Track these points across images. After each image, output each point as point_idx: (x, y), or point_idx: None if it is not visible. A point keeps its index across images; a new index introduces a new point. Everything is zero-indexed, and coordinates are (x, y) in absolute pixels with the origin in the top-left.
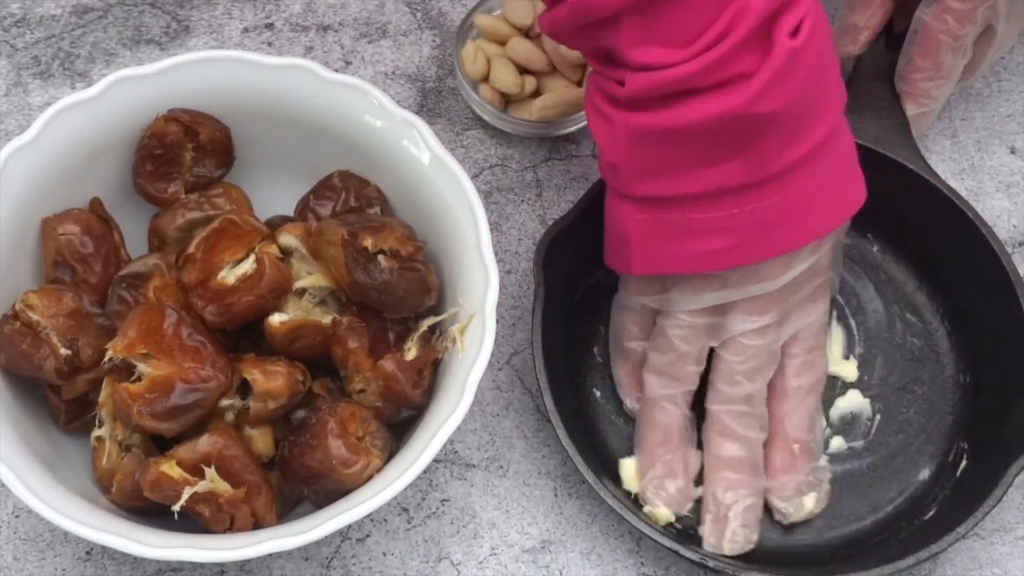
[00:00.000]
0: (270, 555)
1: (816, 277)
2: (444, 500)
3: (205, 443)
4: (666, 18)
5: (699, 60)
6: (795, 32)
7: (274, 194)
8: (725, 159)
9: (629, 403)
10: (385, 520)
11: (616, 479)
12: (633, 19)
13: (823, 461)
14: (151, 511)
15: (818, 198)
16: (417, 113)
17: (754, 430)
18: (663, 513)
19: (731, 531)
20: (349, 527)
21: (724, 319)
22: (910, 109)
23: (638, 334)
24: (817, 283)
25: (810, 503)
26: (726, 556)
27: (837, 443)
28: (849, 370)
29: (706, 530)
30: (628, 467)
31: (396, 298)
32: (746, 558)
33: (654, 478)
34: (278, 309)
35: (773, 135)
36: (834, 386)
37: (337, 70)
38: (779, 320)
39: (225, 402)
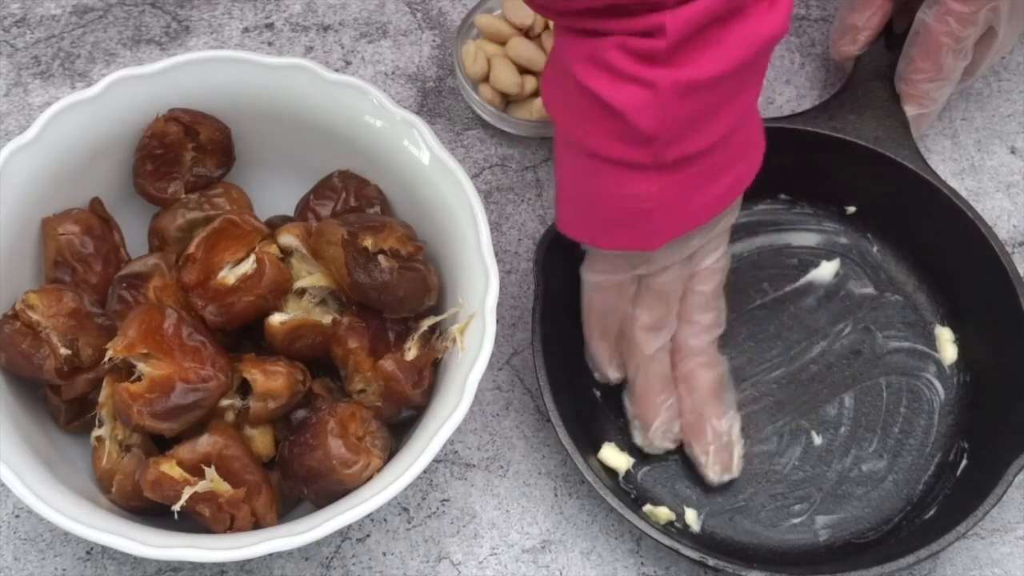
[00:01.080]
0: (270, 555)
1: None
2: (444, 500)
3: (205, 443)
4: None
5: None
6: None
7: (274, 194)
8: (743, 89)
9: (612, 373)
10: (385, 520)
11: (612, 474)
12: None
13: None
14: (151, 511)
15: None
16: (417, 113)
17: (718, 349)
18: (664, 512)
19: (737, 455)
20: (349, 527)
21: (696, 254)
22: (910, 110)
23: (623, 307)
24: None
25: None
26: (725, 555)
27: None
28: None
29: (710, 461)
30: (609, 451)
31: (396, 298)
32: (746, 558)
33: (662, 425)
34: (278, 309)
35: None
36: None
37: (337, 70)
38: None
39: (225, 402)
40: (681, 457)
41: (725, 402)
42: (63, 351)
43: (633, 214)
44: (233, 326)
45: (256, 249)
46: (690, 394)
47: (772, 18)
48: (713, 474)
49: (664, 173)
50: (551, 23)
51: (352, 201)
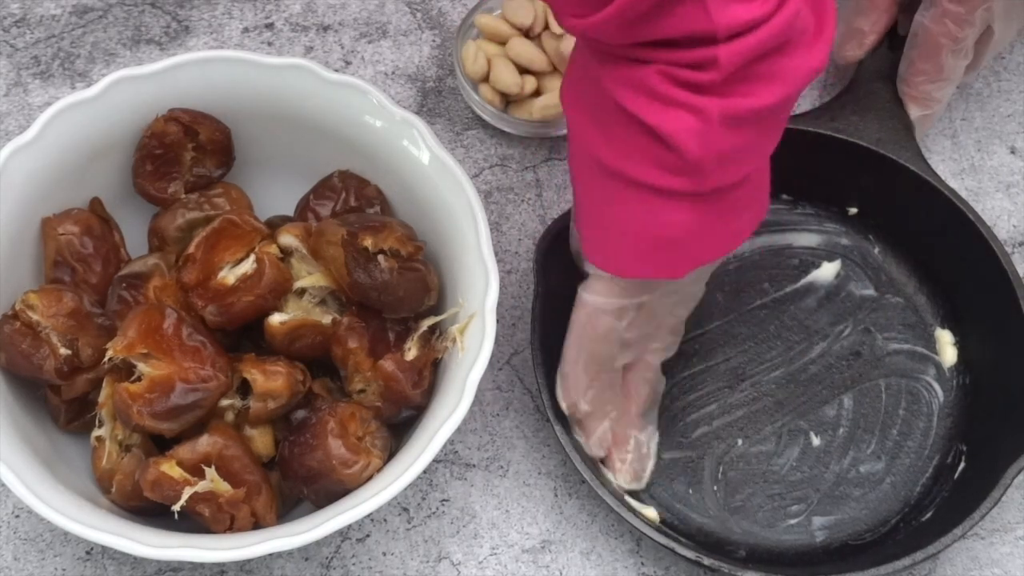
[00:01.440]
0: (270, 555)
1: None
2: (444, 500)
3: (205, 443)
4: None
5: (787, 9)
6: None
7: (274, 194)
8: (778, 125)
9: (583, 405)
10: (385, 520)
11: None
12: None
13: None
14: (151, 511)
15: None
16: (417, 113)
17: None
18: (651, 513)
19: (649, 469)
20: (349, 527)
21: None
22: (913, 111)
23: (619, 333)
24: None
25: None
26: (722, 555)
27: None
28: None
29: (626, 468)
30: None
31: (396, 298)
32: (744, 559)
33: (603, 434)
34: (278, 309)
35: None
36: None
37: (337, 70)
38: None
39: (225, 402)
40: (676, 460)
41: (648, 417)
42: (63, 351)
43: (664, 242)
44: (233, 326)
45: (256, 249)
46: (625, 403)
47: (815, 52)
48: (624, 481)
49: (700, 203)
50: (551, 23)
51: (352, 201)
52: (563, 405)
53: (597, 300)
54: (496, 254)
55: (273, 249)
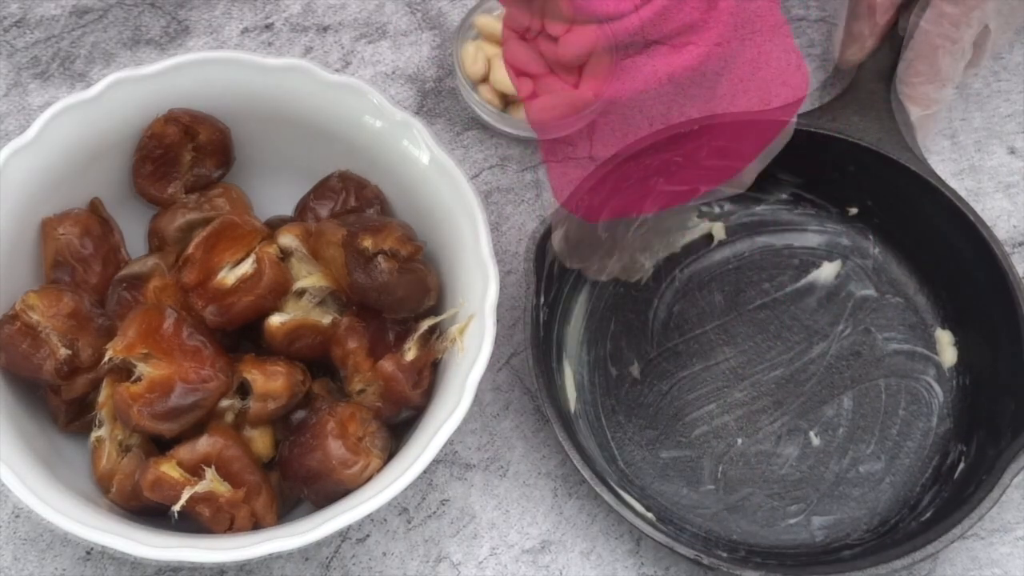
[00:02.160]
0: (270, 555)
1: None
2: (444, 500)
3: (205, 443)
4: None
5: (649, 6)
6: None
7: (274, 194)
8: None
9: None
10: (385, 520)
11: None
12: None
13: None
14: (151, 511)
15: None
16: (417, 113)
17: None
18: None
19: None
20: (349, 527)
21: None
22: (914, 112)
23: None
24: None
25: None
26: (721, 554)
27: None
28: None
29: None
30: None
31: (396, 298)
32: (743, 558)
33: None
34: (278, 309)
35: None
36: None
37: (337, 70)
38: None
39: (225, 402)
40: (675, 459)
41: None
42: (63, 351)
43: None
44: (233, 326)
45: (256, 250)
46: None
47: (685, 54)
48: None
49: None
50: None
51: (351, 202)
52: None
53: None
54: (496, 254)
55: (273, 249)
